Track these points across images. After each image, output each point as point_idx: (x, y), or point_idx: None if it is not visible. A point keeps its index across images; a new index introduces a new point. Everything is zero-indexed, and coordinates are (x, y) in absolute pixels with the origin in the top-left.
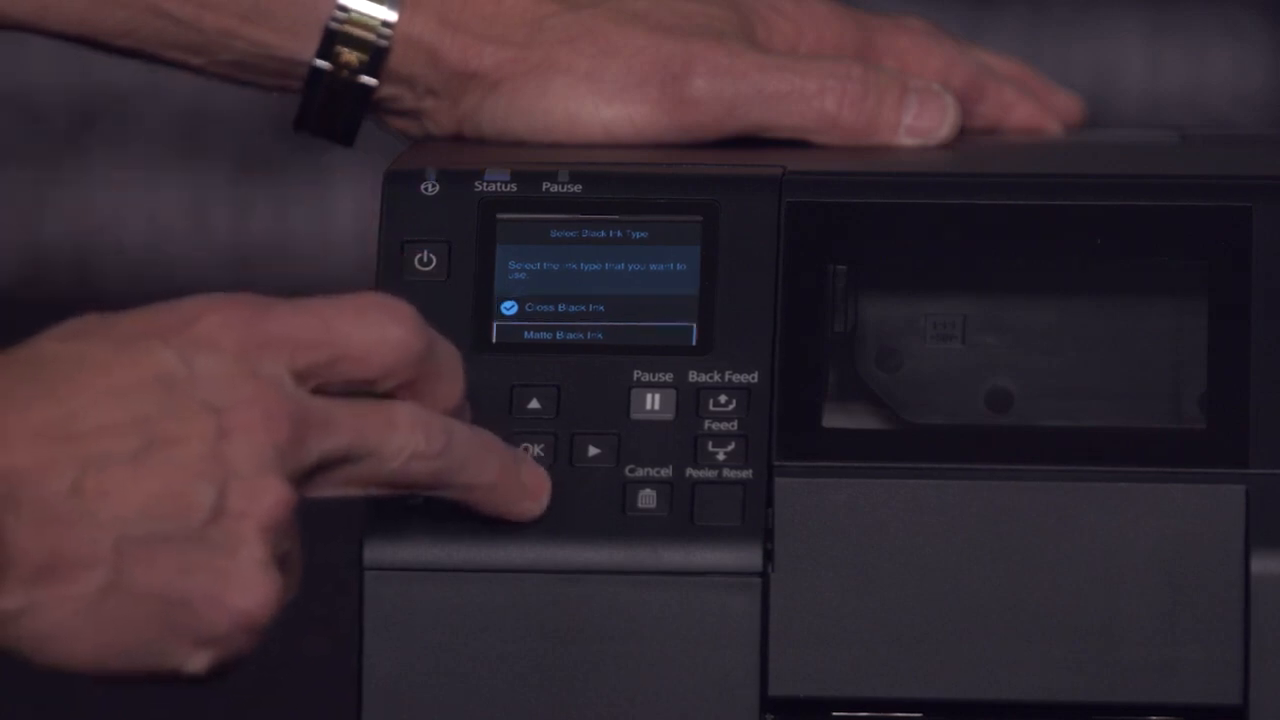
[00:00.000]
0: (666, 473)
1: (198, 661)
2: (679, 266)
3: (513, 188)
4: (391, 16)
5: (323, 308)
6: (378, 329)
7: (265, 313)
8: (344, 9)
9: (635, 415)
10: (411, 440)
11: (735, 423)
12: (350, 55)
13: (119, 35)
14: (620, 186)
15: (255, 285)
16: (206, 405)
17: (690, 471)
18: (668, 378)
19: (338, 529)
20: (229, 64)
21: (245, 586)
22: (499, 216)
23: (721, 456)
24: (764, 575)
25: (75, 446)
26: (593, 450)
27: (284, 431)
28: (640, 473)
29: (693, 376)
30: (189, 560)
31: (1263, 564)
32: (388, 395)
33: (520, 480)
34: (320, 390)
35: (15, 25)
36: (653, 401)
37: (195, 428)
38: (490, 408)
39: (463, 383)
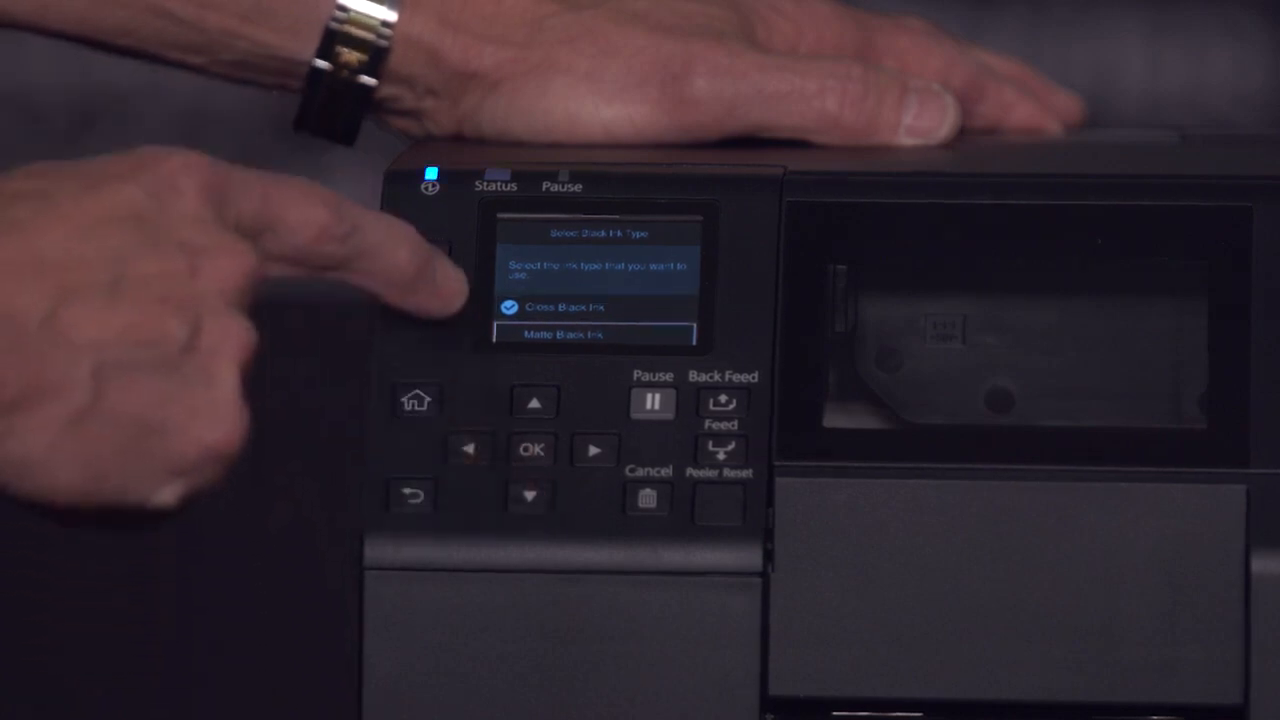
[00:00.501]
0: (667, 472)
1: (168, 493)
2: (679, 266)
3: (513, 187)
4: (391, 16)
5: (262, 180)
6: (304, 209)
7: (218, 167)
8: (344, 9)
9: (635, 415)
10: (315, 214)
11: (735, 422)
12: (350, 55)
13: (119, 34)
14: (620, 186)
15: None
16: (181, 245)
17: (690, 471)
18: (668, 377)
19: (337, 529)
20: (230, 64)
21: (219, 419)
22: (499, 216)
23: (722, 456)
24: (764, 575)
25: (47, 279)
26: (593, 450)
27: (250, 279)
28: (640, 472)
29: (693, 376)
30: (165, 388)
31: (1263, 564)
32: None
33: (433, 279)
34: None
35: (15, 24)
36: (653, 401)
37: (169, 264)
38: (490, 407)
39: (406, 255)
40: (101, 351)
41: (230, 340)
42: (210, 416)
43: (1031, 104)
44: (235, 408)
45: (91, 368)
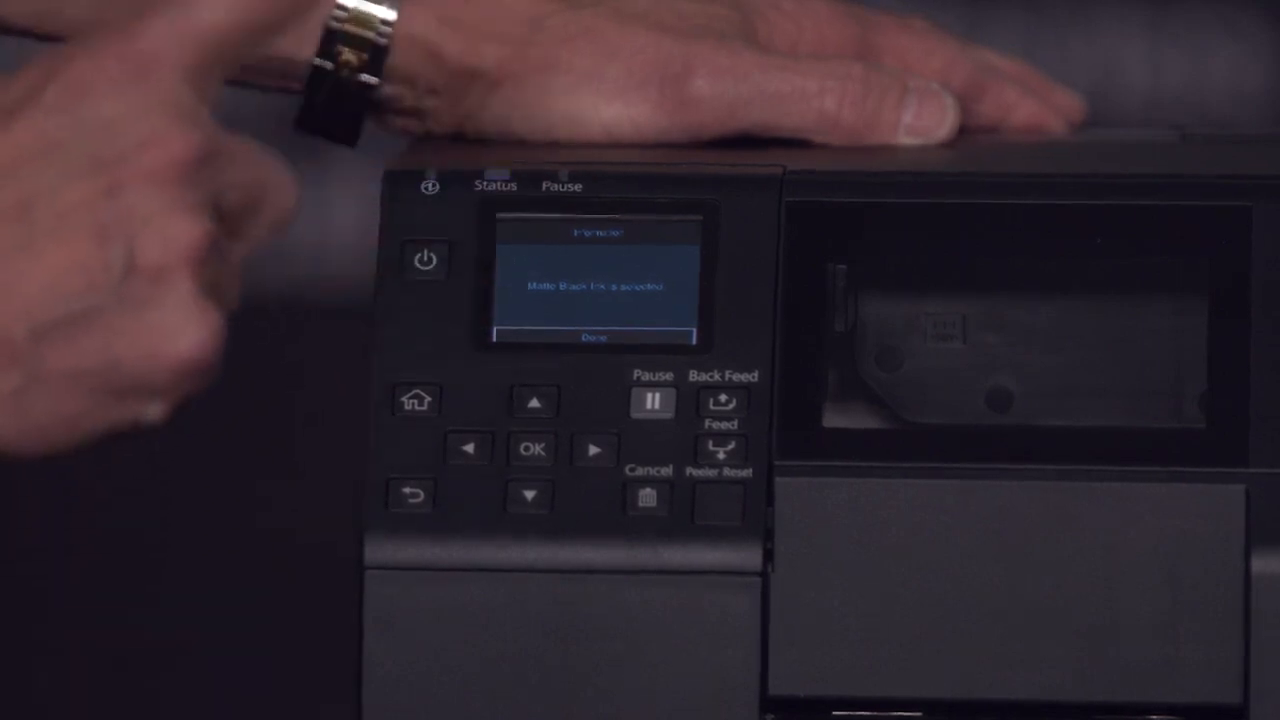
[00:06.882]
0: (667, 472)
1: (153, 412)
2: (679, 266)
3: (513, 187)
4: (390, 15)
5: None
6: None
7: (133, 36)
8: (343, 8)
9: (635, 414)
10: (292, 199)
11: (735, 422)
12: (350, 54)
13: None
14: (620, 186)
15: (255, 285)
16: (94, 161)
17: (690, 471)
18: (668, 377)
19: (338, 528)
20: None
21: (179, 332)
22: (499, 216)
23: (722, 456)
24: (764, 575)
25: None
26: (593, 450)
27: (185, 164)
28: (640, 472)
29: (693, 376)
30: (112, 328)
31: (1263, 563)
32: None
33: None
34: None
35: (12, 30)
36: (653, 401)
37: (79, 192)
38: (490, 407)
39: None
40: (34, 315)
41: (173, 244)
42: (169, 333)
43: (1034, 103)
44: (196, 314)
45: (27, 336)
